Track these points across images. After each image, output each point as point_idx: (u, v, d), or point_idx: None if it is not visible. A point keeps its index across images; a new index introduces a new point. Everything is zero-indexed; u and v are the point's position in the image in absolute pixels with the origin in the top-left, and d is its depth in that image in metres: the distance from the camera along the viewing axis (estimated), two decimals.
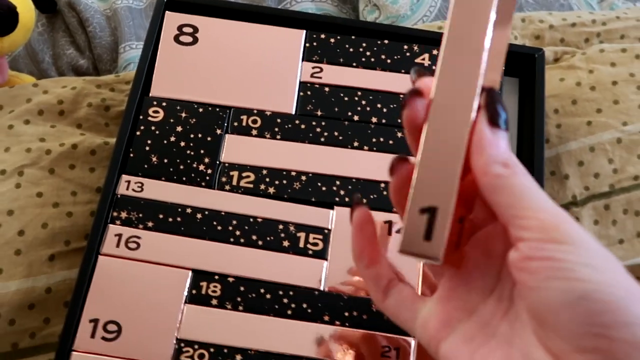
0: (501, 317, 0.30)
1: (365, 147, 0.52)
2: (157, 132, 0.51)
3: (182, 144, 0.51)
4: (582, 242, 0.26)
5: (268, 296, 0.47)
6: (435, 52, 0.55)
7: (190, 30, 0.55)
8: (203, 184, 0.50)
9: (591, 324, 0.25)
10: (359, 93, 0.53)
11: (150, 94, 0.53)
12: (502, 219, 0.29)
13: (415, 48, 0.55)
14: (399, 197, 0.32)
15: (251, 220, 0.49)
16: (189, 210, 0.49)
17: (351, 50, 0.55)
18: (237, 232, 0.49)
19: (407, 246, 0.30)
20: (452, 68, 0.30)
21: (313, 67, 0.54)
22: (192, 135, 0.51)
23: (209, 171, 0.51)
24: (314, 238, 0.49)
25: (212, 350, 0.45)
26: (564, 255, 0.26)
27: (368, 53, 0.55)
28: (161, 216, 0.49)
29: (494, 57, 0.32)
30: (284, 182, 0.50)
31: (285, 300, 0.47)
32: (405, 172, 0.32)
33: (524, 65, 0.57)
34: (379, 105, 0.53)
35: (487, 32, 0.30)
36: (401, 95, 0.53)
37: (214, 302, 0.47)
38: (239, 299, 0.47)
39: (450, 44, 0.31)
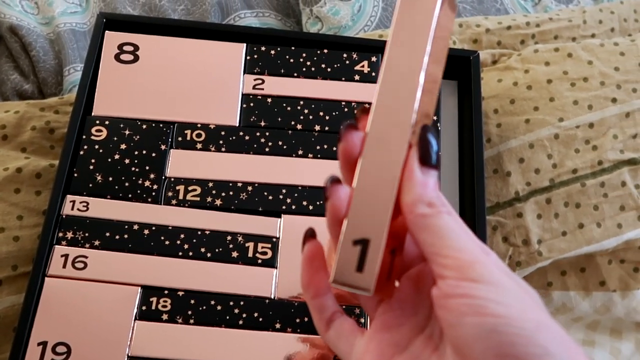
0: (431, 352, 0.31)
1: (310, 155, 0.53)
2: (100, 151, 0.51)
3: (127, 161, 0.51)
4: (495, 280, 0.29)
5: (219, 308, 0.47)
6: (373, 58, 0.56)
7: (130, 48, 0.55)
8: (149, 200, 0.50)
9: (503, 355, 0.27)
10: (301, 102, 0.54)
11: (93, 113, 0.53)
12: (426, 256, 0.30)
13: (355, 56, 0.56)
14: (335, 226, 0.33)
15: (199, 233, 0.49)
16: (135, 227, 0.49)
17: (291, 61, 0.56)
18: (186, 246, 0.49)
19: (340, 277, 0.31)
20: (387, 104, 0.32)
21: (255, 79, 0.55)
22: (136, 152, 0.52)
23: (155, 187, 0.51)
24: (263, 247, 0.49)
25: None
26: (477, 292, 0.28)
27: (308, 63, 0.56)
28: (108, 234, 0.49)
29: (431, 83, 0.34)
30: (231, 193, 0.51)
31: (237, 311, 0.47)
32: (341, 198, 0.33)
33: (461, 67, 0.58)
34: (321, 113, 0.54)
35: (422, 69, 0.31)
36: (342, 103, 0.54)
37: (165, 317, 0.47)
38: (189, 313, 0.47)
39: (386, 79, 0.32)
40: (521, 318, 0.27)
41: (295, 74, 0.55)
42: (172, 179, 0.51)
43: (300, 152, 0.53)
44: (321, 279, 0.35)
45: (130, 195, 0.50)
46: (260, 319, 0.47)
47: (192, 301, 0.47)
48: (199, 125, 0.53)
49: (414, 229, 0.31)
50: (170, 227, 0.49)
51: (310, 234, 0.36)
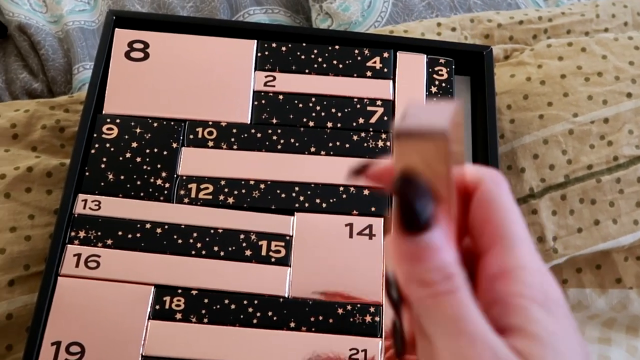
0: None
1: (322, 152, 0.52)
2: (112, 150, 0.51)
3: (138, 159, 0.51)
4: None
5: (233, 307, 0.47)
6: (386, 54, 0.55)
7: (140, 46, 0.55)
8: (161, 198, 0.50)
9: None
10: (313, 99, 0.54)
11: (104, 112, 0.53)
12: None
13: (366, 52, 0.56)
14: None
15: (212, 231, 0.49)
16: (148, 226, 0.49)
17: (303, 57, 0.55)
18: (198, 245, 0.48)
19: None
20: None
21: (266, 76, 0.54)
22: (147, 151, 0.51)
23: (167, 185, 0.50)
24: (276, 245, 0.49)
25: None
26: None
27: (320, 59, 0.55)
28: (120, 233, 0.48)
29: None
30: (243, 191, 0.50)
31: (250, 310, 0.47)
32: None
33: (473, 63, 0.58)
34: (333, 110, 0.53)
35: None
36: (355, 99, 0.54)
37: (178, 316, 0.46)
38: (203, 312, 0.46)
39: None
40: None
41: (307, 71, 0.55)
42: (184, 177, 0.51)
43: (312, 150, 0.52)
44: None
45: (142, 194, 0.50)
46: (275, 318, 0.47)
47: (206, 300, 0.47)
48: (210, 123, 0.53)
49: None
50: (182, 226, 0.49)
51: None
